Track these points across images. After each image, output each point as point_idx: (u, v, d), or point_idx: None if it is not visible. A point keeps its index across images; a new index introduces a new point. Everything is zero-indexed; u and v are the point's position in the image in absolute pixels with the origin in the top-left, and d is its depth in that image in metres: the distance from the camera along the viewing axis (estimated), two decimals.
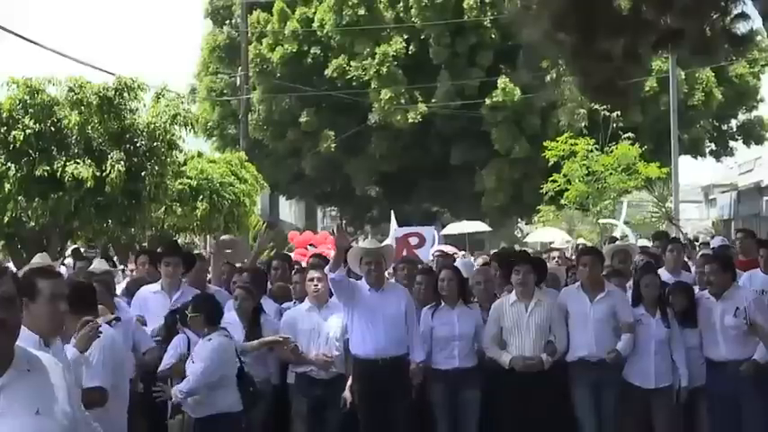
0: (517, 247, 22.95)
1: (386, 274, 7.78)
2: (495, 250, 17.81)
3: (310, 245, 17.88)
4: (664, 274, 8.65)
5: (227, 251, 10.01)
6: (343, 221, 8.46)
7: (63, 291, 4.42)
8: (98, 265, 9.31)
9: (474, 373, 7.55)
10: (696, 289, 7.94)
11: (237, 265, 9.38)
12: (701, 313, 7.52)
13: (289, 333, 7.42)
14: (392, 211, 16.89)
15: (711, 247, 11.20)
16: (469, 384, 7.52)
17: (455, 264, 9.52)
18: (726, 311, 7.38)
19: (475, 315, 7.65)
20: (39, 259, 8.81)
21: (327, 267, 7.43)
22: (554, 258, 10.71)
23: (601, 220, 23.49)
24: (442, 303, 7.63)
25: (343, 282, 7.33)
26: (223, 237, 11.39)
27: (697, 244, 14.86)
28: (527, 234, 33.65)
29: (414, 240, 10.71)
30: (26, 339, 4.26)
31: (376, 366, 7.24)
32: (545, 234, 23.60)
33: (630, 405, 7.45)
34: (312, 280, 7.53)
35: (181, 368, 6.69)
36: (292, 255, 14.35)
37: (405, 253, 11.25)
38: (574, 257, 11.57)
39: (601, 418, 7.41)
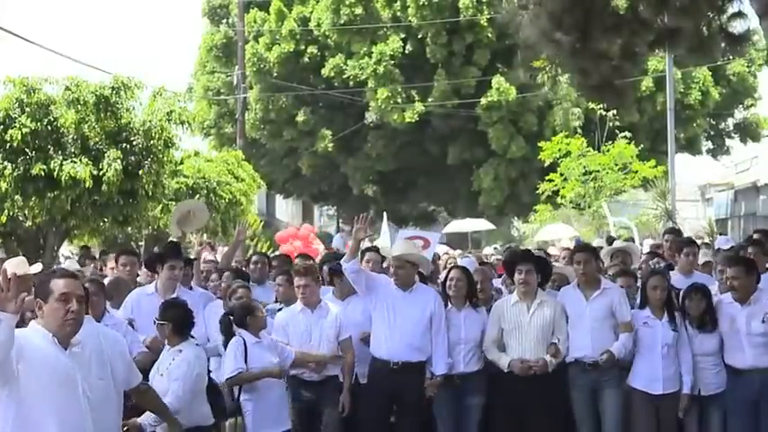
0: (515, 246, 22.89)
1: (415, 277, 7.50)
2: (494, 247, 17.78)
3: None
4: (674, 275, 8.42)
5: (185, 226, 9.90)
6: (368, 216, 8.22)
7: (75, 290, 4.45)
8: (68, 265, 9.09)
9: (478, 377, 7.40)
10: (713, 289, 7.63)
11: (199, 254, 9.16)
12: (722, 319, 7.20)
13: (281, 335, 7.27)
14: (384, 213, 16.88)
15: (717, 247, 10.88)
16: (473, 390, 7.37)
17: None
18: (752, 317, 7.06)
19: (482, 318, 7.46)
20: (8, 264, 8.13)
21: (344, 259, 7.34)
22: (563, 258, 10.58)
23: (603, 206, 23.43)
24: (449, 305, 7.45)
25: (358, 273, 7.23)
26: (177, 206, 11.08)
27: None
28: (523, 233, 33.63)
29: (418, 243, 10.72)
30: (35, 334, 4.32)
31: (388, 369, 7.08)
32: (552, 231, 23.56)
33: (636, 411, 7.18)
34: (299, 287, 7.33)
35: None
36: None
37: None
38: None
39: (602, 422, 7.20)
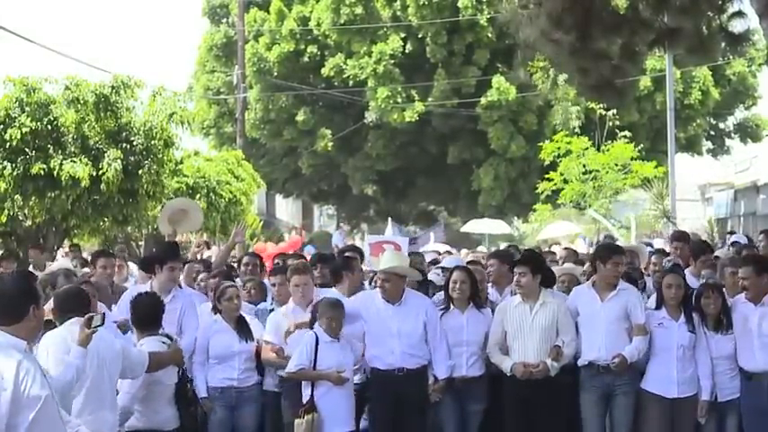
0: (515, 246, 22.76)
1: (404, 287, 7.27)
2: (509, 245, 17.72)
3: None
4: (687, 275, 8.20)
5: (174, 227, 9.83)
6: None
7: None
8: (62, 262, 8.98)
9: (480, 383, 7.29)
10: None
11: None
12: (736, 319, 6.99)
13: (274, 335, 7.17)
14: (390, 219, 16.86)
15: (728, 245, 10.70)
16: (475, 396, 7.28)
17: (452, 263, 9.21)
18: (764, 317, 6.85)
19: (486, 320, 7.32)
20: (62, 261, 8.45)
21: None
22: (561, 258, 10.47)
23: (591, 212, 23.43)
24: (452, 306, 7.32)
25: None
26: (167, 205, 11.04)
27: None
28: (524, 233, 33.64)
29: (389, 248, 10.64)
30: (13, 345, 4.21)
31: (392, 377, 6.98)
32: (554, 230, 23.55)
33: (650, 416, 6.97)
34: (298, 286, 7.26)
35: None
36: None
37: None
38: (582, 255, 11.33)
39: (610, 429, 7.03)
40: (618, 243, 12.28)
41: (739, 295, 7.11)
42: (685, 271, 8.51)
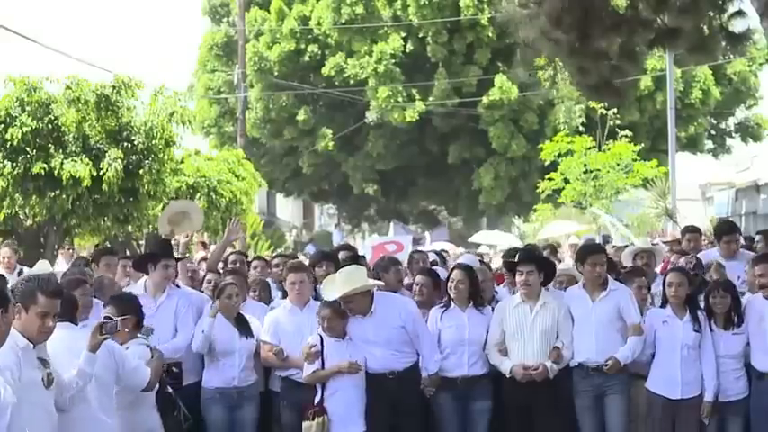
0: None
1: (372, 296, 7.03)
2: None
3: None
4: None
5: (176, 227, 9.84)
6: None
7: (54, 310, 4.57)
8: (40, 266, 8.94)
9: (485, 381, 7.17)
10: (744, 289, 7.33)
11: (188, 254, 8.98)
12: (751, 317, 6.86)
13: (272, 335, 7.11)
14: (392, 222, 16.83)
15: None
16: (479, 394, 7.16)
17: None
18: None
19: (487, 319, 7.21)
20: (40, 266, 8.55)
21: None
22: (570, 256, 10.37)
23: (592, 210, 23.41)
24: (452, 305, 7.21)
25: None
26: (170, 205, 11.04)
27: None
28: (524, 233, 33.68)
29: (391, 247, 10.48)
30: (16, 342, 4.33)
31: (384, 380, 6.87)
32: (555, 229, 23.54)
33: (653, 417, 6.90)
34: (294, 284, 7.18)
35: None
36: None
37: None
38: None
39: (605, 430, 6.94)
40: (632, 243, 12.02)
41: (757, 293, 7.00)
42: (712, 250, 8.53)
